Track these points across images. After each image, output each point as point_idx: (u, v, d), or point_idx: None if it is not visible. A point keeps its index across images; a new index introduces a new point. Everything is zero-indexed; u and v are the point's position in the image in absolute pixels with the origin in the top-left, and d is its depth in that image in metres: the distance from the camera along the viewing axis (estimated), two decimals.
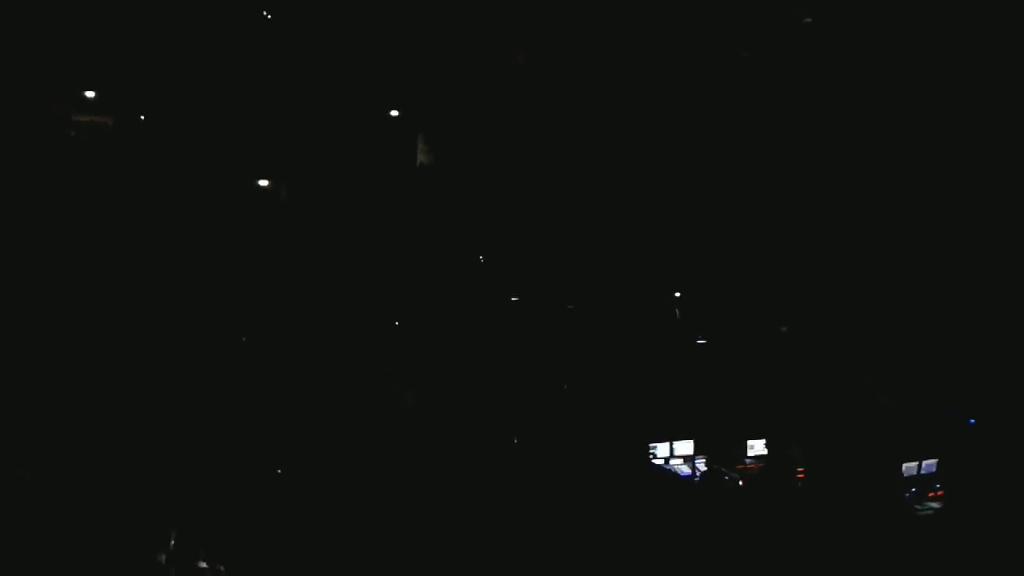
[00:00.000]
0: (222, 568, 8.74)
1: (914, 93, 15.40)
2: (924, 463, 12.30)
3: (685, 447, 12.67)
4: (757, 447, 12.63)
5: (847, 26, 16.21)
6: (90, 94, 16.29)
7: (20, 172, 15.05)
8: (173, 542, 8.77)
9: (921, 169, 15.24)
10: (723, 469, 12.22)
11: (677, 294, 17.07)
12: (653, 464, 12.56)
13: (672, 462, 12.66)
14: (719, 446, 12.55)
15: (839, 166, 16.02)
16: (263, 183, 17.31)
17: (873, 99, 15.82)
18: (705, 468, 12.35)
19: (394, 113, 18.43)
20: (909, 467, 12.23)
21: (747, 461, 12.52)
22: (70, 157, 16.03)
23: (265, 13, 17.50)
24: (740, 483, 12.14)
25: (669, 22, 17.00)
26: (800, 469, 12.06)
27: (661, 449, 12.67)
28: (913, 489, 12.13)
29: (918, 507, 12.00)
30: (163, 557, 8.72)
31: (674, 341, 16.11)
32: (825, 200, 16.04)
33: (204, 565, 8.69)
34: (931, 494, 12.17)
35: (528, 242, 17.56)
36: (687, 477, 12.48)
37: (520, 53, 17.87)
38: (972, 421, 13.21)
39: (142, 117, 16.81)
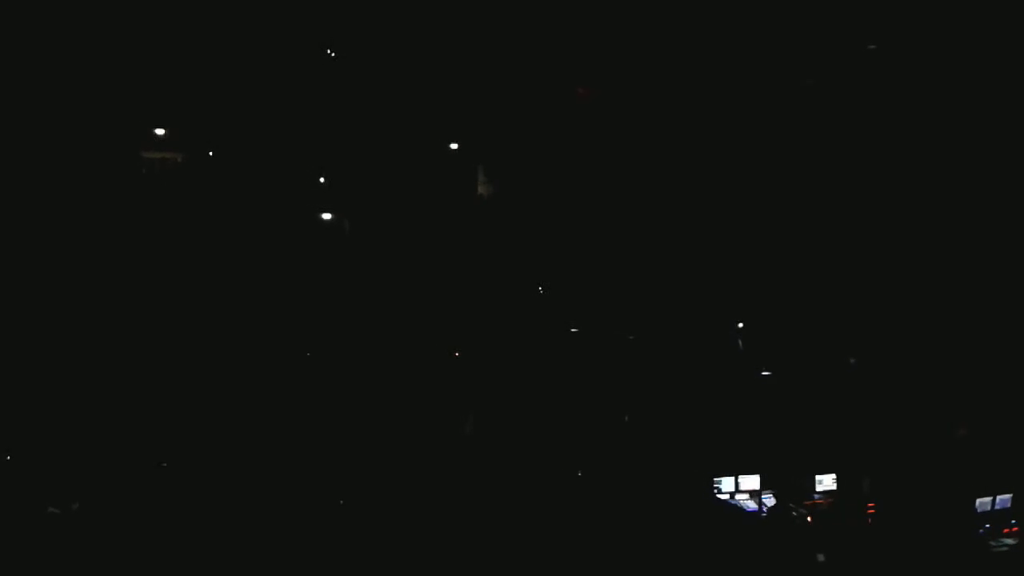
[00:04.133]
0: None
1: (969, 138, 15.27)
2: (999, 498, 12.02)
3: (751, 482, 12.49)
4: (826, 482, 12.42)
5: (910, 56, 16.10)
6: (160, 131, 16.72)
7: (96, 206, 15.52)
8: None
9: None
10: (791, 505, 12.03)
11: (740, 324, 16.93)
12: (718, 499, 12.40)
13: (738, 497, 12.49)
14: (786, 481, 12.37)
15: (905, 198, 15.86)
16: (327, 216, 17.59)
17: (938, 133, 15.68)
18: (774, 503, 12.16)
19: (454, 146, 18.62)
20: (983, 502, 11.96)
21: (816, 496, 12.32)
22: (142, 192, 16.46)
23: (329, 51, 17.85)
24: (809, 519, 11.94)
25: (731, 55, 16.99)
26: (870, 505, 11.84)
27: (726, 484, 12.52)
28: (987, 525, 11.84)
29: (993, 543, 11.71)
30: None
31: (738, 373, 15.96)
32: (892, 230, 15.87)
33: None
34: (1006, 530, 11.88)
35: (588, 272, 17.56)
36: (753, 513, 12.30)
37: (583, 88, 17.97)
38: None
39: (210, 153, 17.21)
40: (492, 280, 17.48)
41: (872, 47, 16.43)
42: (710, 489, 12.47)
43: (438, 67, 17.99)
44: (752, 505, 12.43)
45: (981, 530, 11.81)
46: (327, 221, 17.63)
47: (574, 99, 18.08)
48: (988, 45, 15.39)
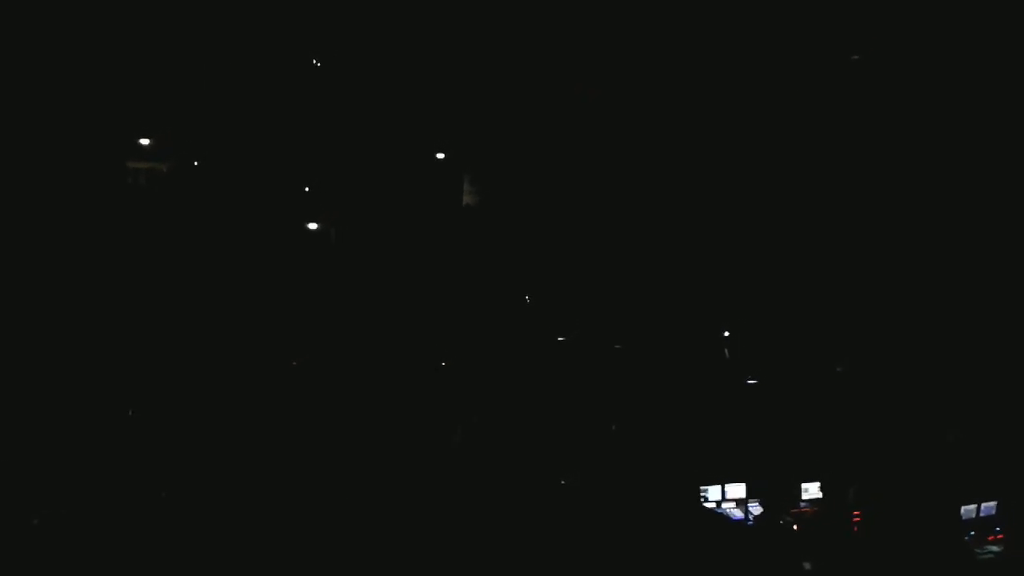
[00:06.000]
0: None
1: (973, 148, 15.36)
2: (983, 505, 12.04)
3: (737, 490, 12.49)
4: (812, 490, 12.42)
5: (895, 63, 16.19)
6: (145, 141, 16.70)
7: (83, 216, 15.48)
8: None
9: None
10: (777, 513, 12.03)
11: (726, 333, 16.98)
12: (705, 508, 12.39)
13: (724, 505, 12.48)
14: (773, 489, 12.38)
15: (889, 206, 15.94)
16: (313, 225, 17.59)
17: (922, 143, 15.78)
18: (760, 511, 12.16)
19: (440, 156, 18.67)
20: (968, 510, 11.99)
21: (802, 505, 12.32)
22: (127, 202, 16.43)
23: (315, 61, 17.88)
24: (795, 527, 11.94)
25: (723, 62, 17.07)
26: (856, 513, 11.85)
27: (713, 492, 12.50)
28: (972, 532, 11.87)
29: (978, 551, 11.74)
30: None
31: (724, 381, 15.98)
32: (876, 239, 15.95)
33: None
34: (991, 537, 11.90)
35: (574, 282, 17.59)
36: (740, 521, 12.30)
37: (581, 86, 17.97)
38: None
39: (195, 163, 17.21)
40: (479, 289, 17.48)
41: (856, 57, 16.55)
42: (696, 498, 12.45)
43: (424, 77, 18.02)
44: (738, 514, 12.41)
45: (966, 537, 11.83)
46: (313, 230, 17.62)
47: (570, 102, 18.12)
48: (977, 50, 15.51)
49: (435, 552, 10.34)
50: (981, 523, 11.93)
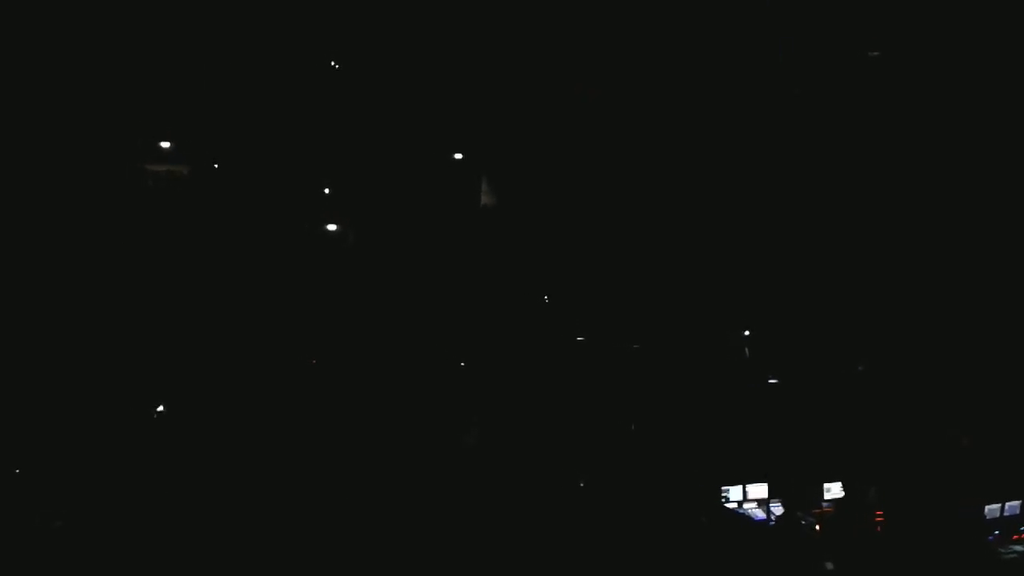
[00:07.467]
0: None
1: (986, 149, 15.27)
2: (1007, 505, 11.98)
3: (759, 490, 12.47)
4: (834, 490, 12.39)
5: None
6: (165, 144, 16.78)
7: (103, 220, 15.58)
8: None
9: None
10: (799, 513, 12.00)
11: (747, 332, 16.93)
12: (726, 508, 12.38)
13: (746, 505, 12.46)
14: (794, 489, 12.35)
15: (912, 204, 15.86)
16: (331, 227, 17.64)
17: (941, 137, 15.69)
18: (782, 511, 12.13)
19: (458, 156, 18.68)
20: (992, 509, 11.93)
21: (824, 504, 12.28)
22: (148, 205, 16.52)
23: (333, 63, 17.93)
24: (817, 528, 11.91)
25: (734, 62, 17.03)
26: (879, 513, 11.81)
27: (734, 492, 12.49)
28: (996, 532, 11.82)
29: (1002, 550, 11.68)
30: None
31: (745, 381, 15.94)
32: (899, 237, 15.87)
33: None
34: (1015, 536, 11.85)
35: (593, 282, 17.57)
36: (762, 521, 12.27)
37: (582, 86, 17.96)
38: None
39: (216, 165, 17.28)
40: (497, 290, 17.49)
41: (875, 54, 16.46)
42: (718, 498, 12.44)
43: (442, 78, 18.04)
44: (760, 514, 12.39)
45: (990, 537, 11.77)
46: (332, 232, 17.67)
47: (580, 99, 18.09)
48: (992, 49, 15.42)
49: (451, 552, 10.36)
50: (1005, 522, 11.88)
